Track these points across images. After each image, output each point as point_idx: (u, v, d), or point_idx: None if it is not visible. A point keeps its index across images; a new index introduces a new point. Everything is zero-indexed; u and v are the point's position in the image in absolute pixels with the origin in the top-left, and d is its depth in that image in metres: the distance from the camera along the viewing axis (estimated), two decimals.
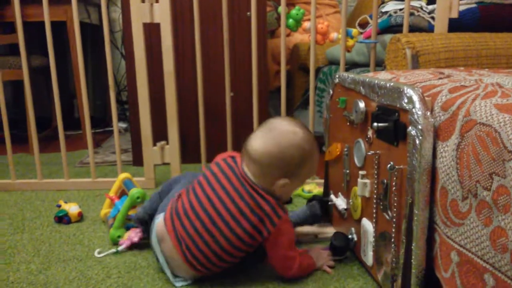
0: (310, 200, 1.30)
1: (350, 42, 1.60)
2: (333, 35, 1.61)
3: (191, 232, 0.97)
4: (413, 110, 0.81)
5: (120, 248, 1.18)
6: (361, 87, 1.04)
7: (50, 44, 1.62)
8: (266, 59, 2.07)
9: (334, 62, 2.20)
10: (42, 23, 1.65)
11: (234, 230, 0.96)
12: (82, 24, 2.48)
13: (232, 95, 2.07)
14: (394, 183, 0.88)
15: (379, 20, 1.86)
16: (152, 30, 1.83)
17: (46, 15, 1.60)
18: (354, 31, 1.60)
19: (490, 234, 0.65)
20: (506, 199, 0.62)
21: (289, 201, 1.52)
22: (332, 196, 1.26)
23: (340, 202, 1.20)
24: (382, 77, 1.11)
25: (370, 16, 1.94)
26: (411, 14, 1.74)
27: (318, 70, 2.20)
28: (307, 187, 1.58)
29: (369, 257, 1.01)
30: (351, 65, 2.05)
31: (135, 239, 1.19)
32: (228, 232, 0.96)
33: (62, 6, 2.26)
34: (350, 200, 1.12)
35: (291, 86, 2.59)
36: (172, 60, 1.65)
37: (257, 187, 0.98)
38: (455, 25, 1.63)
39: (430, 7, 1.69)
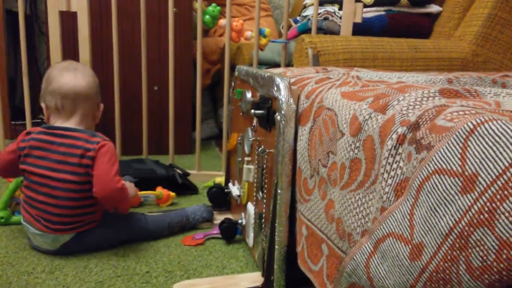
0: (210, 188, 1.34)
1: (263, 40, 1.67)
2: (248, 33, 1.68)
3: (40, 206, 1.07)
4: (280, 97, 0.87)
5: None
6: (251, 79, 1.11)
7: None
8: (192, 56, 2.11)
9: (258, 62, 2.27)
10: None
11: (65, 179, 1.06)
12: (12, 13, 2.43)
13: (156, 89, 2.10)
14: (265, 166, 0.94)
15: (299, 24, 1.96)
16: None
17: None
18: (267, 30, 1.67)
19: (325, 206, 0.72)
20: (335, 174, 0.69)
21: (196, 191, 1.56)
22: (230, 185, 1.32)
23: (235, 189, 1.25)
24: (274, 71, 1.18)
25: (294, 20, 2.03)
26: (326, 18, 1.84)
27: None
28: (218, 179, 1.62)
29: (250, 239, 1.07)
30: (272, 65, 2.13)
31: None
32: (62, 184, 1.06)
33: None
34: (241, 187, 1.18)
35: (221, 84, 2.64)
36: (89, 50, 1.65)
37: (67, 131, 1.09)
38: (364, 30, 1.74)
39: (341, 12, 1.79)
